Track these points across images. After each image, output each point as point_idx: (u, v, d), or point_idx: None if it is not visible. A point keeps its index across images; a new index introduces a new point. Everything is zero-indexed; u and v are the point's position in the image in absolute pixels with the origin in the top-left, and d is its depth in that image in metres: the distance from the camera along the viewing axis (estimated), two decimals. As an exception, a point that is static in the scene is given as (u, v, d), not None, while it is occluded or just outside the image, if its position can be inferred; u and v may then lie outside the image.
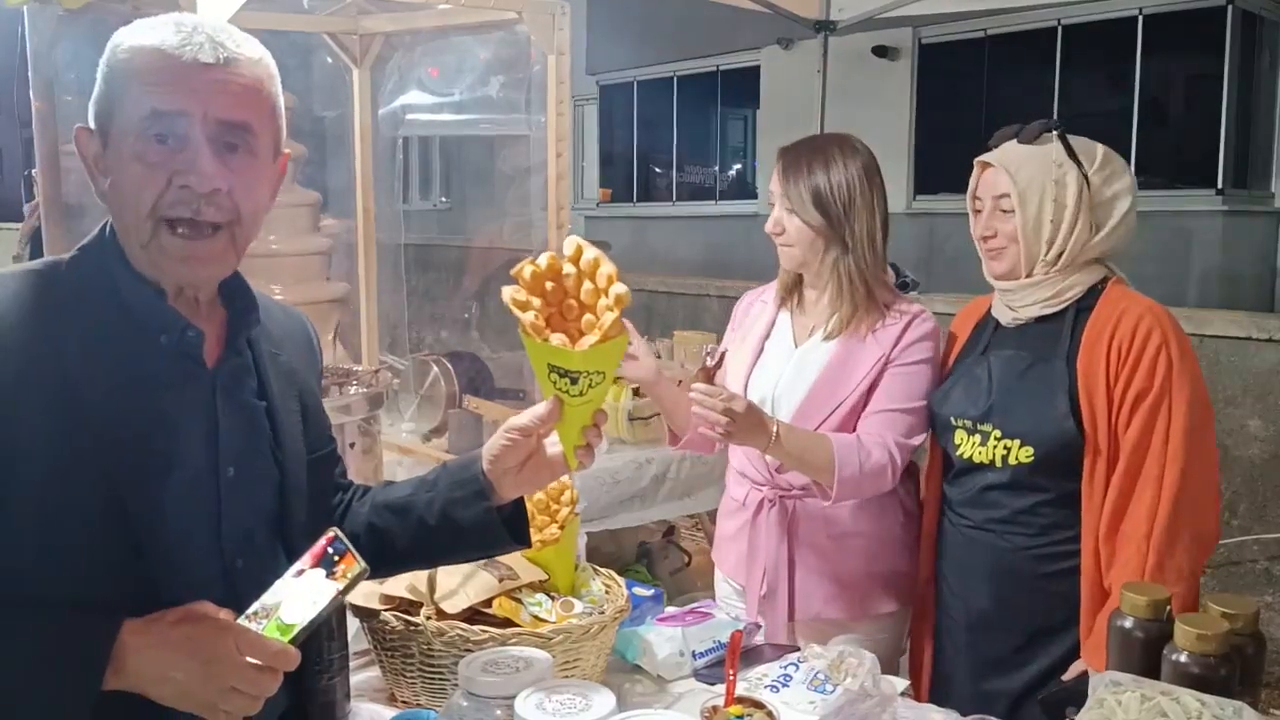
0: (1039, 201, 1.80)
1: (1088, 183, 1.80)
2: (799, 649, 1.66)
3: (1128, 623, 1.31)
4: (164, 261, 1.11)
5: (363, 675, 1.61)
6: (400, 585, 1.57)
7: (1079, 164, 1.80)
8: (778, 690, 1.51)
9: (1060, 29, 8.51)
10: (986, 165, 1.87)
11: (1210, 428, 1.78)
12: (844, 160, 1.97)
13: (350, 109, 3.03)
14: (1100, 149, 1.85)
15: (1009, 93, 9.24)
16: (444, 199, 11.27)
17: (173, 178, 1.08)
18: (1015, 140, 1.86)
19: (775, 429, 1.84)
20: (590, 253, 1.25)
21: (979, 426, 1.85)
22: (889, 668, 1.95)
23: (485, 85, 3.27)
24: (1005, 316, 1.90)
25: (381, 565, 1.44)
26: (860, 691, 1.47)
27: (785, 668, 1.57)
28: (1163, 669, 1.23)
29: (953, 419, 1.90)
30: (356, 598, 1.58)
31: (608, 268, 1.23)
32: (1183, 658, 1.21)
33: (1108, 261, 1.87)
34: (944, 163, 9.55)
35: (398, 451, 3.02)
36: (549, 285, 1.25)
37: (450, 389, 3.11)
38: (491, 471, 1.29)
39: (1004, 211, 1.84)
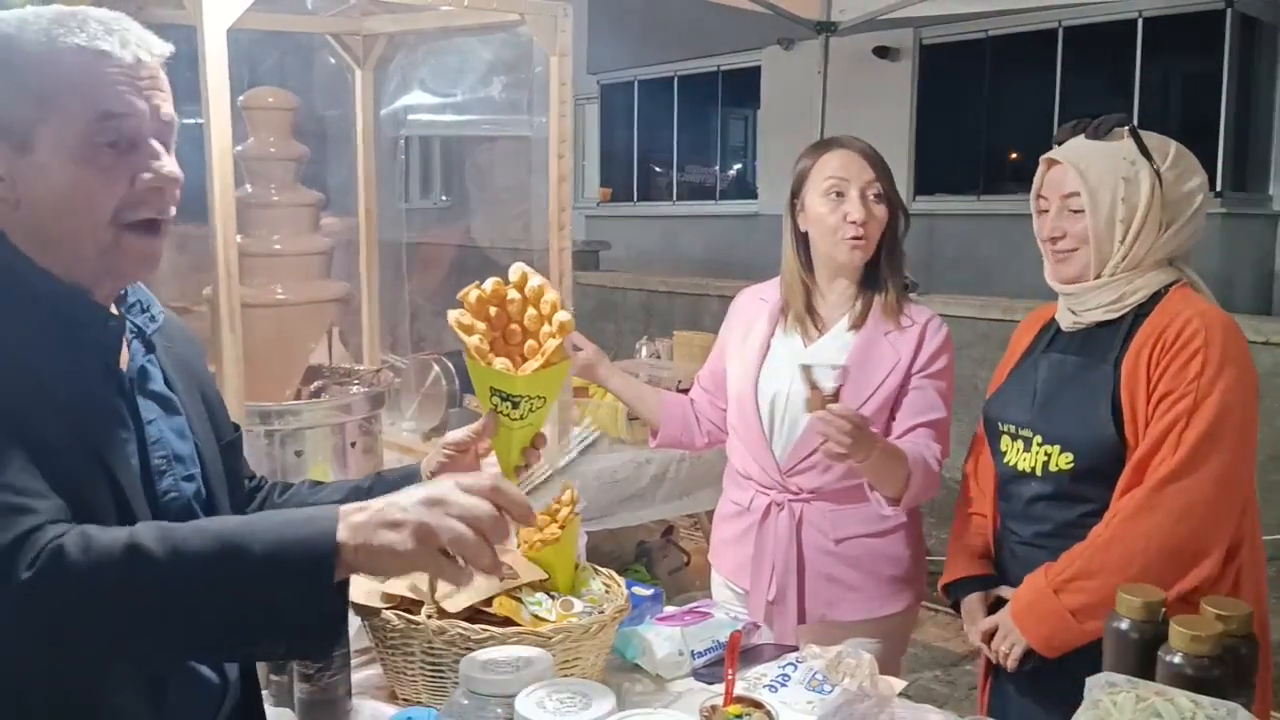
0: (1110, 201, 1.69)
1: (1160, 181, 1.69)
2: (798, 649, 1.67)
3: (1123, 624, 1.31)
4: (123, 264, 1.09)
5: (364, 673, 1.61)
6: (401, 584, 1.57)
7: (1151, 161, 1.70)
8: (776, 690, 1.52)
9: (1061, 31, 8.53)
10: (1053, 162, 1.77)
11: (1242, 445, 1.63)
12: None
13: (352, 109, 3.03)
14: (1173, 145, 1.73)
15: (1010, 94, 9.27)
16: (444, 197, 11.29)
17: (135, 180, 1.06)
18: (1083, 136, 1.76)
19: (877, 441, 1.81)
20: (535, 280, 1.29)
21: (1020, 432, 1.78)
22: (893, 668, 1.96)
23: (487, 86, 3.27)
24: (1066, 320, 1.80)
25: None
26: (858, 691, 1.48)
27: (784, 668, 1.58)
28: (1157, 670, 1.24)
29: (1000, 424, 1.83)
30: (358, 596, 1.59)
31: (551, 295, 1.28)
32: (1177, 659, 1.22)
33: (1178, 263, 1.75)
34: (944, 164, 9.58)
35: (399, 450, 3.02)
36: (493, 310, 1.29)
37: (451, 388, 3.11)
38: None
39: (1073, 211, 1.73)
